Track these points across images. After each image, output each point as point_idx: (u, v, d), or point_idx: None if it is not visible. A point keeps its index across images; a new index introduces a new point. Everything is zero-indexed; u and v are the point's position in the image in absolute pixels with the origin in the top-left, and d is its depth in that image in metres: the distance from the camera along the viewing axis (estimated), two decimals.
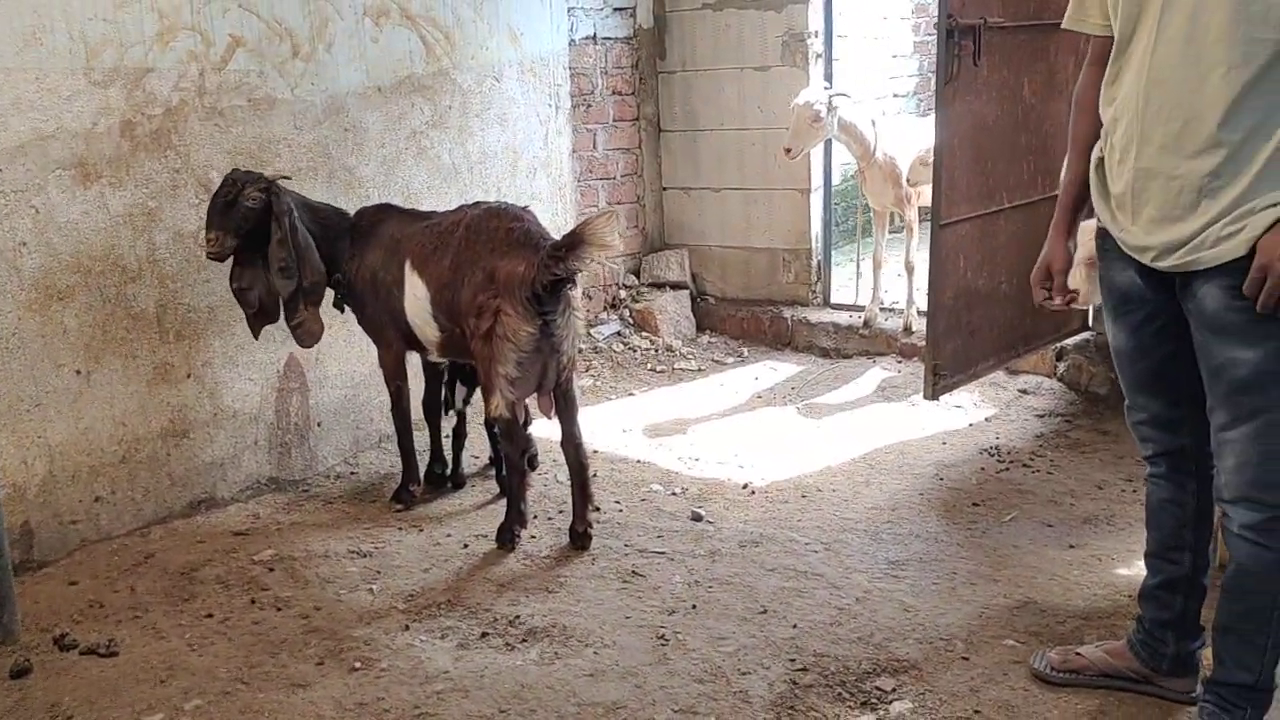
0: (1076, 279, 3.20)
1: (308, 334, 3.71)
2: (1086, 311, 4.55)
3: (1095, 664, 2.60)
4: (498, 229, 3.39)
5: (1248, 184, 2.00)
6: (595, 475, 3.88)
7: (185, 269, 3.73)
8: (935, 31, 4.53)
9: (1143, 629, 2.55)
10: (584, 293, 5.68)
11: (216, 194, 3.47)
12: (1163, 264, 2.15)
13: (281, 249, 3.51)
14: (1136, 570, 3.19)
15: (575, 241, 3.16)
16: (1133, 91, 2.13)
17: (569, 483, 3.54)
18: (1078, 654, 2.63)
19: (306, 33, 3.99)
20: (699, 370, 5.46)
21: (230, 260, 3.58)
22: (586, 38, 5.55)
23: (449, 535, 3.62)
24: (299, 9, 3.95)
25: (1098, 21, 2.29)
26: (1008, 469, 4.06)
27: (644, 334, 5.76)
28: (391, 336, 3.71)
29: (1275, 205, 1.99)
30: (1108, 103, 2.22)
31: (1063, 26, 2.41)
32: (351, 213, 3.79)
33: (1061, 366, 4.83)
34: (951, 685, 2.64)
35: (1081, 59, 4.43)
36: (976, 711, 2.53)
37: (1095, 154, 2.31)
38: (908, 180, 5.12)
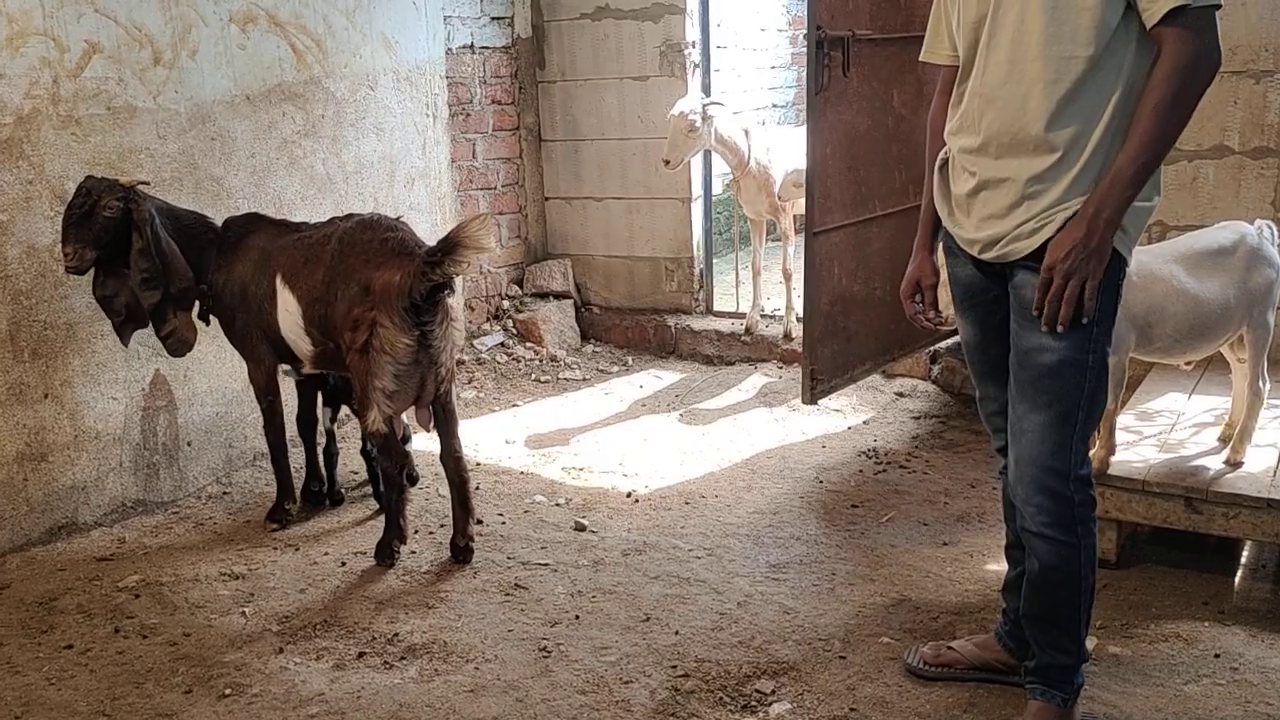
0: (944, 299, 3.30)
1: (180, 343, 3.59)
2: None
3: (966, 657, 2.68)
4: (371, 240, 3.33)
5: (1064, 189, 2.16)
6: (477, 488, 3.83)
7: (40, 284, 3.56)
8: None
9: (1008, 620, 2.64)
10: (466, 304, 5.63)
11: (71, 205, 3.33)
12: (987, 255, 2.30)
13: (144, 259, 3.38)
14: (1005, 565, 3.29)
15: (451, 245, 3.12)
16: (970, 108, 2.28)
17: (450, 497, 3.49)
18: (949, 648, 2.71)
19: (168, 39, 3.86)
20: (584, 380, 5.45)
21: (91, 271, 3.44)
22: (464, 46, 5.50)
23: (326, 554, 3.54)
24: (160, 15, 3.82)
25: (948, 53, 2.43)
26: (885, 470, 4.15)
27: (528, 344, 5.72)
28: (262, 351, 3.61)
29: (1070, 209, 2.15)
30: (952, 118, 2.37)
31: (920, 59, 2.52)
32: (219, 223, 3.67)
33: (935, 369, 4.97)
34: (829, 684, 2.68)
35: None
36: (853, 709, 2.57)
37: (940, 157, 2.44)
38: (780, 197, 5.21)
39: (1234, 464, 3.16)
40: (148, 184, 3.53)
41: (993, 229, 2.26)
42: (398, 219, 3.47)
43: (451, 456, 3.45)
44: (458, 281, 3.40)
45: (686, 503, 3.89)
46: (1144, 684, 2.61)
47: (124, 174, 3.57)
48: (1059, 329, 2.16)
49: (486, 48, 5.66)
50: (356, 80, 4.65)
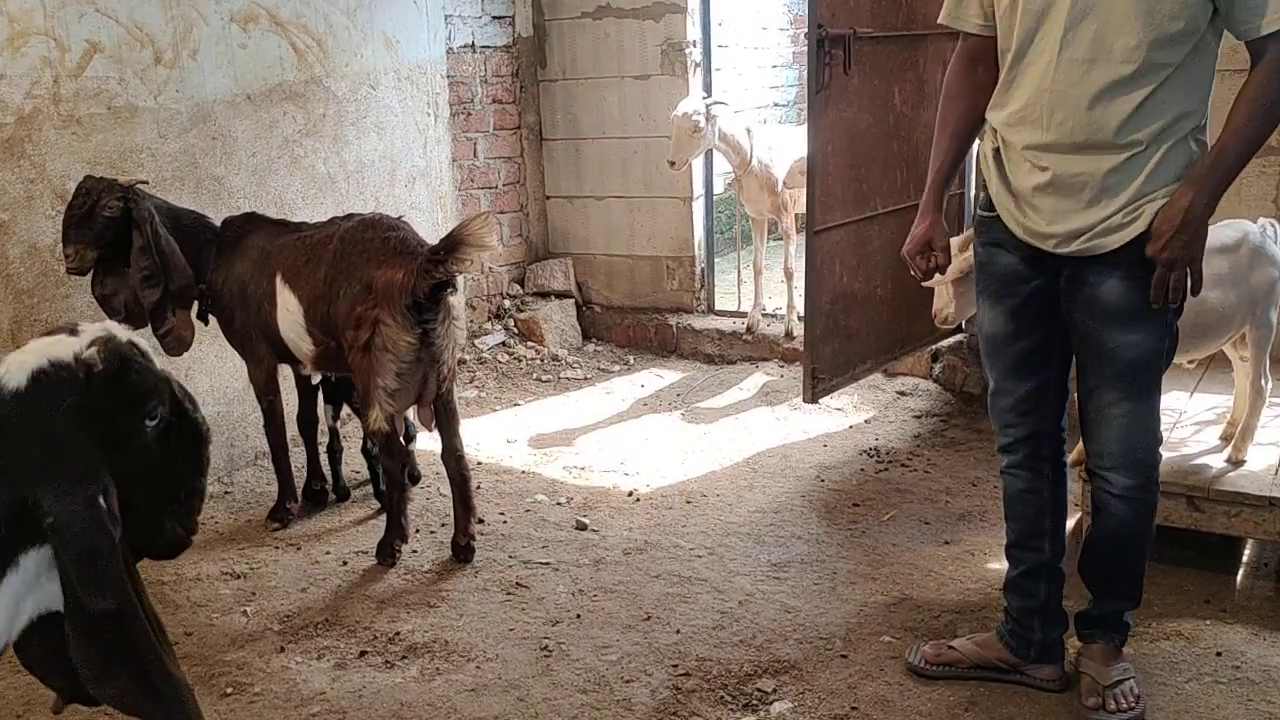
0: (943, 298, 3.30)
1: (177, 341, 3.58)
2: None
3: (967, 656, 2.68)
4: (373, 239, 3.33)
5: (1142, 181, 2.22)
6: (479, 487, 3.83)
7: (42, 283, 3.57)
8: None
9: (1010, 619, 2.65)
10: (468, 303, 5.63)
11: (71, 205, 3.32)
12: (1065, 249, 2.31)
13: (144, 257, 3.38)
14: (1006, 564, 3.29)
15: (454, 244, 3.12)
16: (1035, 103, 2.28)
17: (451, 496, 3.49)
18: (950, 647, 2.71)
19: (169, 39, 3.86)
20: (585, 379, 5.45)
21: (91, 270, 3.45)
22: (465, 46, 5.50)
23: (328, 553, 3.54)
24: (160, 14, 3.82)
25: (976, 21, 2.41)
26: (887, 469, 4.15)
27: (529, 343, 5.72)
28: (262, 351, 3.61)
29: (1155, 201, 2.22)
30: (999, 107, 2.36)
31: (939, 21, 2.51)
32: (218, 222, 3.67)
33: (937, 368, 4.96)
34: (830, 683, 2.68)
35: None
36: (854, 708, 2.57)
37: (990, 144, 2.43)
38: (785, 184, 5.20)
39: (1236, 462, 3.16)
40: (146, 183, 3.52)
41: (1071, 223, 2.28)
42: (399, 218, 3.47)
43: (453, 455, 3.45)
44: (460, 280, 3.40)
45: (688, 502, 3.89)
46: (1146, 682, 2.60)
47: (124, 173, 3.57)
48: (1153, 311, 2.27)
49: (488, 47, 5.66)
50: (358, 79, 4.65)
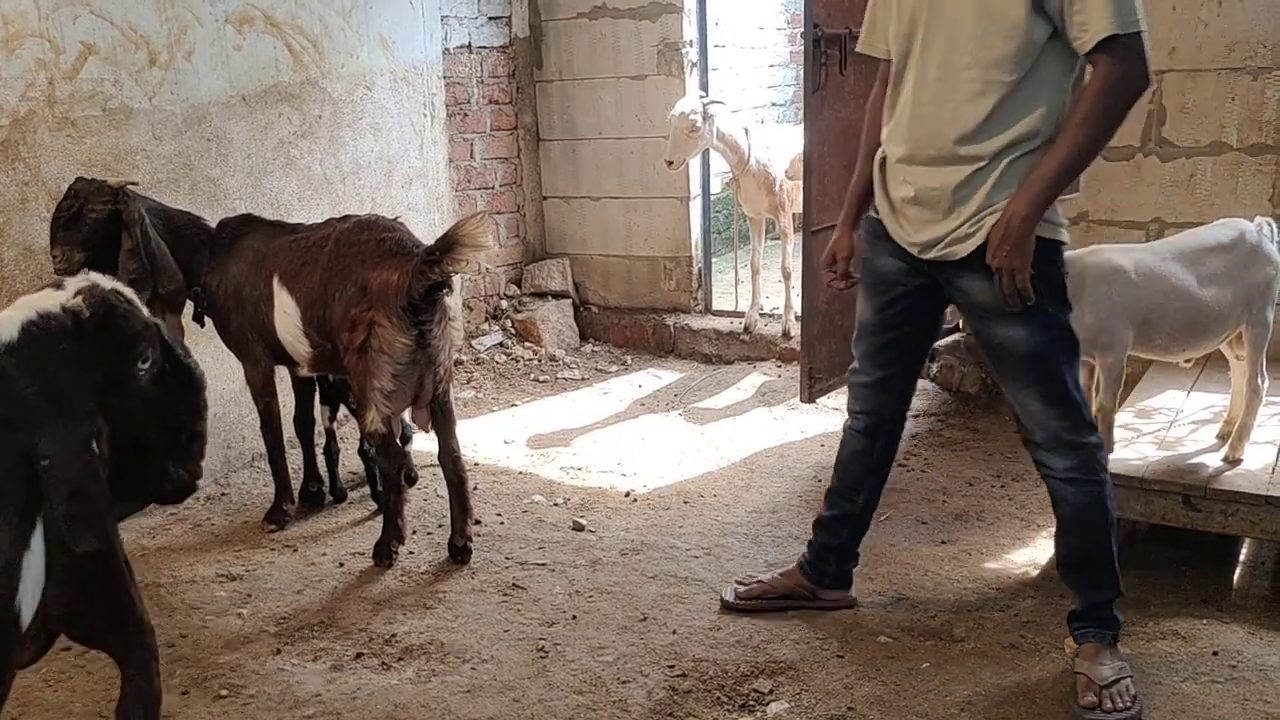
0: None
1: None
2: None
3: (774, 587, 3.04)
4: (368, 240, 3.32)
5: (985, 194, 2.39)
6: (476, 488, 3.83)
7: (37, 286, 3.55)
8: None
9: (812, 551, 3.03)
10: (465, 304, 5.62)
11: (59, 207, 3.31)
12: (927, 255, 2.52)
13: (132, 259, 3.36)
14: (1004, 564, 3.30)
15: (449, 244, 3.11)
16: (903, 119, 2.48)
17: (448, 497, 3.49)
18: (759, 581, 3.07)
19: (164, 40, 3.86)
20: (583, 379, 5.45)
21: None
22: (461, 46, 5.50)
23: (324, 554, 3.53)
24: (155, 16, 3.81)
25: (883, 47, 2.61)
26: None
27: (527, 344, 5.72)
28: (259, 352, 3.60)
29: (997, 212, 2.37)
30: (887, 122, 2.57)
31: (856, 49, 2.72)
32: (213, 224, 3.66)
33: (934, 368, 4.95)
34: (826, 683, 2.67)
35: None
36: (850, 708, 2.56)
37: (879, 155, 2.62)
38: (788, 174, 5.20)
39: (1232, 461, 3.15)
40: (137, 184, 3.51)
41: (930, 233, 2.49)
42: (395, 219, 3.46)
43: (450, 456, 3.44)
44: (456, 281, 3.40)
45: (685, 502, 3.89)
46: (1142, 682, 2.60)
47: (119, 175, 3.56)
48: (1019, 311, 2.38)
49: (484, 47, 5.66)
50: (353, 81, 4.65)
